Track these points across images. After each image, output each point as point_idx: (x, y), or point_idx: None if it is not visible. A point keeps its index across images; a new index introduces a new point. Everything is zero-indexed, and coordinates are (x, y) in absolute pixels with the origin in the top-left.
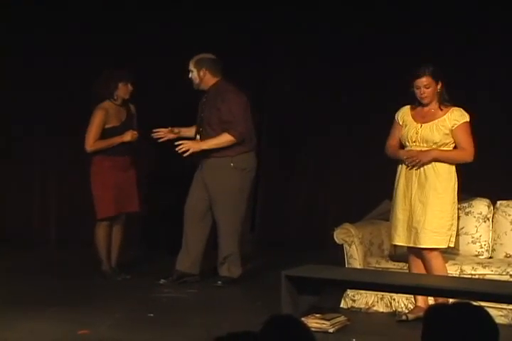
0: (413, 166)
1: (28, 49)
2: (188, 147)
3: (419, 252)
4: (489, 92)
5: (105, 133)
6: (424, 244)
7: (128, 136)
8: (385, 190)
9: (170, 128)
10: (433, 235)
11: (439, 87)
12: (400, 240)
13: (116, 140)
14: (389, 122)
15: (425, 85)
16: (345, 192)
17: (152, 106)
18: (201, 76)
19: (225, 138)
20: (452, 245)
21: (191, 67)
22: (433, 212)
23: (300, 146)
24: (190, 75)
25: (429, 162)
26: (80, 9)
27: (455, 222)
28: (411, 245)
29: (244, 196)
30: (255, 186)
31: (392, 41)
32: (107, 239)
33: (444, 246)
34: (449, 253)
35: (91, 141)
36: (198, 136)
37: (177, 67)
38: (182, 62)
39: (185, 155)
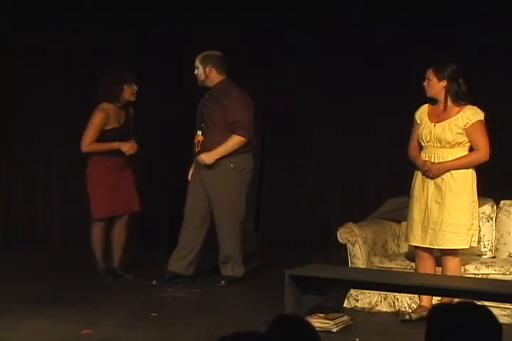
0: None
1: (27, 49)
2: (202, 161)
3: (430, 253)
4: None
5: (105, 135)
6: (443, 245)
7: (125, 147)
8: (388, 190)
9: None
10: (452, 236)
11: (442, 84)
12: (415, 241)
13: (114, 145)
14: (391, 123)
15: (426, 77)
16: (348, 192)
17: (151, 108)
18: (207, 73)
19: (234, 141)
20: (475, 245)
21: (197, 63)
22: (450, 213)
23: (303, 147)
24: (195, 72)
25: (443, 173)
26: (79, 9)
27: (476, 222)
28: (426, 245)
29: (243, 196)
30: (259, 186)
31: (397, 42)
32: (102, 239)
33: (465, 246)
34: None
35: (87, 142)
36: (199, 132)
37: (177, 67)
38: (181, 63)
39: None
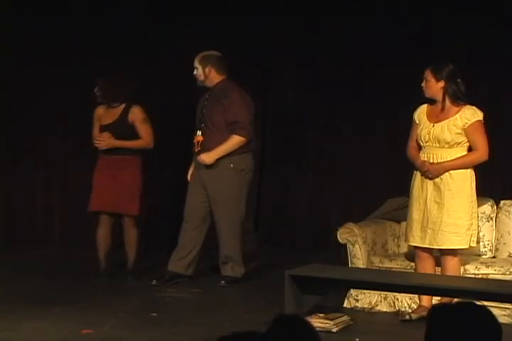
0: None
1: (27, 49)
2: (202, 161)
3: (430, 253)
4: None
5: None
6: (442, 245)
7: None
8: (388, 190)
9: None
10: (451, 236)
11: (440, 84)
12: (415, 241)
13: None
14: (391, 123)
15: (424, 77)
16: (348, 192)
17: (151, 108)
18: (206, 73)
19: (234, 141)
20: (474, 245)
21: (196, 64)
22: (449, 213)
23: (303, 147)
24: (195, 72)
25: (442, 174)
26: (79, 9)
27: (475, 221)
28: (425, 246)
29: (243, 196)
30: (259, 186)
31: (397, 42)
32: (105, 239)
33: (464, 246)
34: None
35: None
36: (198, 132)
37: (177, 67)
38: (181, 63)
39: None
